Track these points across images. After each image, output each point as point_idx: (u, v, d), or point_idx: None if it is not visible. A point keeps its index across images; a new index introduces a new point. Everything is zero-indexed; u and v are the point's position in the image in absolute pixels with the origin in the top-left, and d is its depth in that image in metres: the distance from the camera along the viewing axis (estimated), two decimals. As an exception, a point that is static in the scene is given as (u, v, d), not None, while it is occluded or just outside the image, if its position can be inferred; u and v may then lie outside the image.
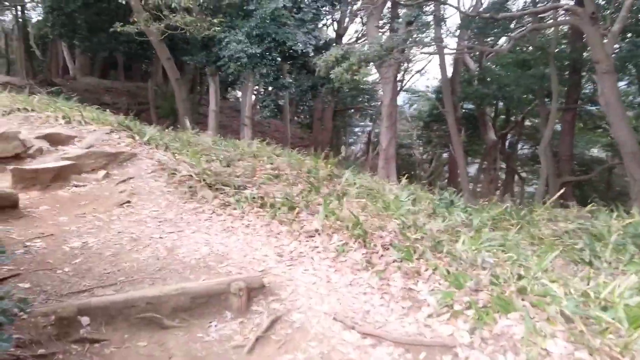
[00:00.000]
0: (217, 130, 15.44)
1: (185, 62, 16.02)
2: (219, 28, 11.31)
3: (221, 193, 4.86)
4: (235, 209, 4.38)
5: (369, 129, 29.18)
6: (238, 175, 5.50)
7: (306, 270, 3.22)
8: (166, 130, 8.67)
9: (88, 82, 20.20)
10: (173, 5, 10.93)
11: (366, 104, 25.55)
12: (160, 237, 3.83)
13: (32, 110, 6.96)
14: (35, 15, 26.64)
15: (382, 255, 3.22)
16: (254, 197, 4.54)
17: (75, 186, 5.11)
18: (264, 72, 11.61)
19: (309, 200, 4.47)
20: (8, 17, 29.25)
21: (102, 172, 5.40)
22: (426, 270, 2.95)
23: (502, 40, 16.50)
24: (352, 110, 26.92)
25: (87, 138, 6.18)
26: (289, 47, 10.94)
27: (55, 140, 6.05)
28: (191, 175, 5.15)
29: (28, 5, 24.54)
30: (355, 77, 9.30)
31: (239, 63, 11.06)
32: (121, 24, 11.17)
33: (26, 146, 5.63)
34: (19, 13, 21.64)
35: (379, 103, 23.52)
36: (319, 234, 3.66)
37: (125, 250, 3.55)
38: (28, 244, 3.53)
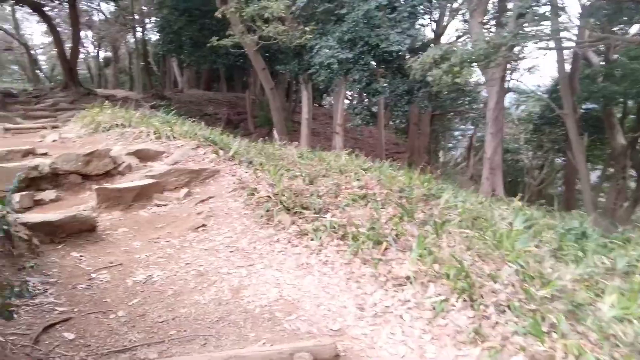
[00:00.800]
0: (309, 139, 15.23)
1: (280, 71, 16.08)
2: (310, 36, 10.98)
3: (300, 218, 4.32)
4: (312, 239, 3.79)
5: (470, 132, 27.17)
6: (321, 195, 4.92)
7: (393, 334, 2.50)
8: (257, 141, 8.49)
9: (193, 94, 21.38)
10: (266, 16, 10.83)
11: (467, 106, 23.70)
12: (228, 273, 3.38)
13: (129, 125, 7.11)
14: (154, 35, 29.25)
15: (496, 323, 2.38)
16: (334, 226, 3.91)
17: (157, 205, 4.93)
18: (357, 78, 11.01)
19: (399, 232, 3.72)
20: (132, 38, 32.61)
21: (183, 191, 5.18)
22: (565, 358, 2.05)
23: (634, 28, 14.04)
24: (452, 114, 25.19)
25: (174, 154, 6.07)
26: (382, 50, 10.21)
27: (144, 156, 6.03)
28: (269, 196, 4.69)
29: (148, 26, 26.93)
30: (456, 80, 8.27)
31: (330, 70, 10.59)
32: (217, 38, 11.35)
33: (116, 163, 5.63)
34: (140, 34, 23.69)
35: (482, 105, 21.66)
36: (410, 283, 2.91)
37: (187, 289, 3.13)
38: (94, 275, 3.28)
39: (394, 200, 4.84)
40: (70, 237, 3.86)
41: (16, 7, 26.61)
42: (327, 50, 10.51)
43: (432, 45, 13.22)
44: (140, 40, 23.87)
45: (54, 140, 6.60)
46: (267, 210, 4.44)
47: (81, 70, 35.10)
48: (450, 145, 31.05)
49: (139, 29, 24.14)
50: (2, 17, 29.98)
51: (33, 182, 4.92)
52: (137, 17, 24.15)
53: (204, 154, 6.10)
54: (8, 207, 3.19)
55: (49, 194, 4.88)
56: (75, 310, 2.76)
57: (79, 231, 3.91)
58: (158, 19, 17.66)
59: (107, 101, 13.58)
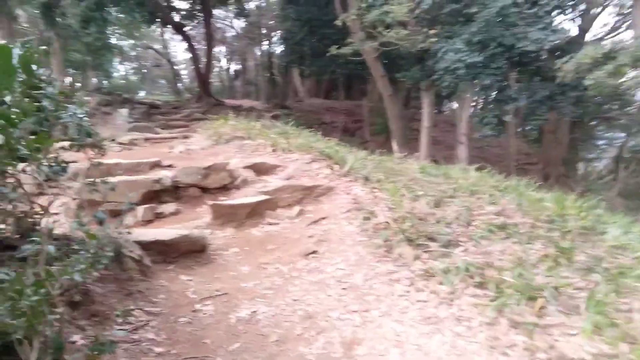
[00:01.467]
0: (429, 148, 14.26)
1: (400, 78, 15.38)
2: (434, 39, 10.15)
3: (425, 251, 3.65)
4: (441, 283, 3.10)
5: (618, 141, 23.31)
6: (449, 222, 4.18)
7: None
8: (374, 151, 7.97)
9: (312, 103, 21.69)
10: (388, 21, 10.29)
11: (618, 111, 20.30)
12: (340, 319, 2.87)
13: (248, 137, 7.10)
14: (279, 47, 30.73)
15: None
16: (468, 267, 3.16)
17: (269, 224, 4.67)
18: (486, 83, 9.86)
19: (559, 285, 2.84)
20: (259, 52, 34.74)
21: (296, 209, 4.85)
22: None
23: None
24: (597, 120, 21.87)
25: (289, 168, 5.82)
26: (519, 50, 8.96)
27: (260, 169, 5.88)
28: (388, 222, 4.09)
29: (273, 40, 28.30)
30: (623, 81, 6.78)
31: (455, 75, 9.62)
32: (337, 46, 11.11)
33: (233, 177, 5.54)
34: (266, 47, 24.92)
35: (635, 109, 18.38)
36: (586, 369, 2.08)
37: (293, 336, 2.69)
38: (198, 307, 3.03)
39: (543, 235, 3.89)
40: (181, 258, 3.71)
41: (164, 28, 30.03)
42: (453, 54, 9.56)
43: (578, 43, 11.36)
44: (265, 52, 25.09)
45: (180, 152, 6.85)
46: (386, 240, 3.85)
47: (215, 82, 38.46)
48: (592, 155, 27.04)
49: (265, 42, 25.42)
50: (154, 38, 34.13)
51: (156, 195, 5.00)
52: (264, 31, 25.48)
53: (319, 168, 5.74)
54: (121, 226, 3.08)
55: (169, 207, 4.92)
56: (173, 351, 2.48)
57: (190, 252, 3.75)
58: (282, 32, 18.21)
59: (233, 112, 14.20)
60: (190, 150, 6.92)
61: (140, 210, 4.70)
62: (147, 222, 4.70)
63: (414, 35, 10.34)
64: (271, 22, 26.06)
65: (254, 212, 4.72)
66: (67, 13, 10.42)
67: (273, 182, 5.52)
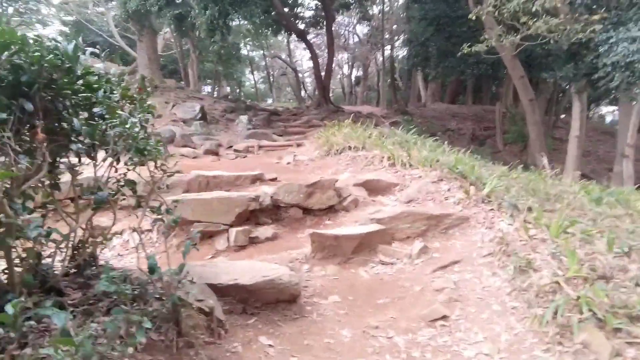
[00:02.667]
0: (578, 161, 11.76)
1: (543, 79, 13.06)
2: (598, 27, 8.04)
3: (628, 342, 2.24)
4: None
5: None
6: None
7: None
8: (511, 165, 6.40)
9: (436, 108, 19.99)
10: (535, 9, 8.46)
11: None
12: None
13: (362, 148, 6.12)
14: (401, 51, 29.44)
15: None
16: None
17: (382, 263, 3.60)
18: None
19: None
20: (380, 57, 33.80)
21: (417, 244, 3.70)
22: None
23: None
24: None
25: (409, 188, 4.67)
26: None
27: (373, 188, 4.84)
28: (557, 283, 2.72)
29: (396, 44, 27.18)
30: None
31: (630, 71, 7.43)
32: (468, 44, 9.56)
33: (341, 196, 4.59)
34: (388, 51, 23.85)
35: None
36: None
37: None
38: (273, 396, 2.09)
39: None
40: (266, 308, 2.84)
41: (290, 38, 30.84)
42: (627, 45, 7.40)
43: None
44: (388, 57, 24.01)
45: (288, 163, 6.15)
46: (556, 313, 2.51)
47: (337, 89, 38.54)
48: None
49: (388, 47, 24.34)
50: (281, 48, 35.41)
51: (252, 215, 4.27)
52: (386, 35, 24.47)
53: (448, 190, 4.49)
54: (181, 271, 2.30)
55: (266, 231, 4.14)
56: None
57: (277, 301, 2.86)
58: (405, 35, 17.00)
59: (351, 118, 13.44)
60: (298, 162, 6.17)
61: (233, 233, 4.00)
62: (239, 248, 3.98)
63: (569, 25, 8.34)
64: (394, 26, 24.94)
65: (363, 246, 3.69)
66: (196, 23, 10.65)
67: (389, 205, 4.44)
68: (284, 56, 33.37)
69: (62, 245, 2.30)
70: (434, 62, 14.92)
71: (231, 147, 9.87)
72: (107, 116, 2.29)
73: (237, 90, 35.36)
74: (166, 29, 19.22)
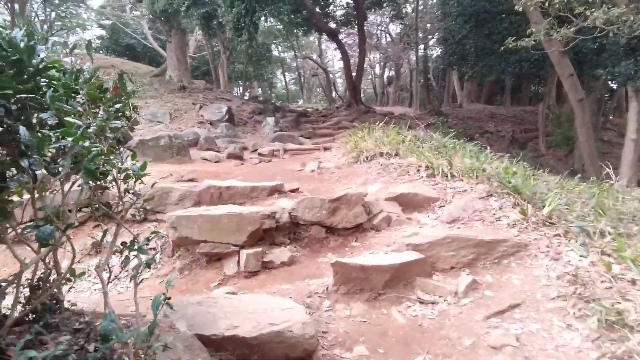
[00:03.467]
0: (635, 167, 10.56)
1: (593, 77, 11.88)
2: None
3: None
4: None
5: None
6: None
7: None
8: (559, 173, 5.54)
9: (472, 109, 18.88)
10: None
11: None
12: None
13: (395, 154, 5.39)
14: (435, 51, 28.27)
15: None
16: None
17: (419, 301, 2.89)
18: None
19: None
20: (414, 56, 32.68)
21: (464, 278, 2.97)
22: None
23: None
24: None
25: (452, 204, 3.93)
26: None
27: (409, 203, 4.12)
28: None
29: (430, 43, 26.14)
30: None
31: None
32: (513, 38, 8.61)
33: (370, 213, 3.90)
34: (422, 50, 22.84)
35: None
36: None
37: None
38: None
39: None
40: (271, 367, 2.20)
41: (322, 39, 30.23)
42: None
43: None
44: (421, 56, 23.01)
45: (312, 170, 5.50)
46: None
47: (368, 89, 37.62)
48: None
49: (421, 46, 23.33)
50: (312, 48, 34.86)
51: (267, 234, 3.65)
52: (420, 34, 23.46)
53: (500, 208, 3.71)
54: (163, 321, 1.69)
55: (281, 254, 3.51)
56: None
57: (285, 358, 2.22)
58: (440, 33, 16.06)
59: (382, 119, 12.68)
60: (323, 169, 5.51)
61: (244, 256, 3.39)
62: (250, 275, 3.37)
63: (632, 15, 7.30)
64: (428, 25, 23.89)
65: (398, 279, 2.99)
66: (223, 22, 10.19)
67: (428, 226, 3.71)
68: (315, 57, 32.80)
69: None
70: (471, 61, 13.93)
71: (256, 150, 9.34)
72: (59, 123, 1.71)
73: (269, 91, 35.08)
74: (199, 31, 18.98)
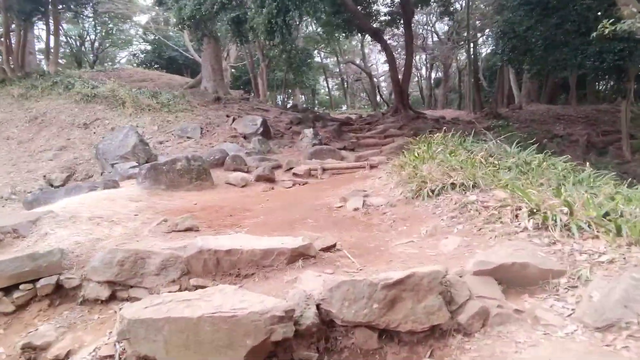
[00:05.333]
0: None
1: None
2: None
3: None
4: None
5: None
6: None
7: None
8: None
9: (534, 110, 16.54)
10: None
11: None
12: None
13: (473, 185, 3.72)
14: (485, 49, 25.86)
15: None
16: None
17: None
18: None
19: None
20: (462, 55, 30.27)
21: None
22: None
23: None
24: None
25: (593, 287, 2.24)
26: None
27: (514, 280, 2.47)
28: None
29: (479, 41, 23.88)
30: None
31: None
32: (610, 20, 6.61)
33: (453, 301, 2.29)
34: (471, 50, 20.69)
35: None
36: None
37: None
38: None
39: None
40: None
41: (365, 42, 28.61)
42: None
43: None
44: (472, 55, 20.84)
45: (355, 209, 3.92)
46: None
47: (414, 92, 35.45)
48: None
49: (471, 44, 21.14)
50: (355, 52, 33.29)
51: (281, 348, 2.14)
52: (470, 32, 21.31)
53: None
54: None
55: (304, 386, 1.98)
56: None
57: None
58: (495, 28, 14.00)
59: (435, 125, 10.93)
60: (370, 207, 3.92)
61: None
62: None
63: None
64: (477, 22, 21.68)
65: None
66: (254, 25, 8.91)
67: (558, 332, 2.05)
68: (358, 61, 31.22)
69: None
70: (538, 56, 11.80)
71: (291, 169, 7.92)
72: None
73: (312, 98, 33.87)
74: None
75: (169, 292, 2.64)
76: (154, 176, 6.11)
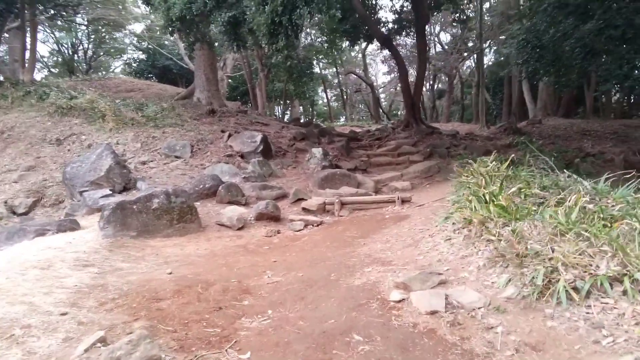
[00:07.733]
0: None
1: None
2: None
3: None
4: None
5: None
6: None
7: None
8: None
9: (555, 125, 15.04)
10: None
11: None
12: None
13: (625, 274, 2.09)
14: (487, 60, 24.51)
15: None
16: None
17: None
18: None
19: None
20: (464, 66, 28.93)
21: None
22: None
23: None
24: None
25: None
26: None
27: None
28: None
29: (493, 47, 22.64)
30: None
31: None
32: None
33: None
34: (482, 60, 19.24)
35: None
36: None
37: None
38: None
39: None
40: None
41: (367, 52, 27.20)
42: None
43: None
44: (480, 65, 19.42)
45: (431, 312, 2.25)
46: None
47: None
48: None
49: (479, 52, 19.73)
50: (354, 63, 31.86)
51: None
52: (473, 42, 19.94)
53: None
54: None
55: None
56: None
57: None
58: (521, 32, 12.50)
59: (452, 142, 9.39)
60: (460, 314, 2.24)
61: None
62: None
63: None
64: (489, 30, 20.29)
65: None
66: (254, 27, 7.36)
67: None
68: (358, 72, 29.77)
69: None
70: (575, 66, 10.30)
71: (299, 200, 6.28)
72: None
73: (310, 109, 32.31)
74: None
75: None
76: (120, 219, 4.44)
